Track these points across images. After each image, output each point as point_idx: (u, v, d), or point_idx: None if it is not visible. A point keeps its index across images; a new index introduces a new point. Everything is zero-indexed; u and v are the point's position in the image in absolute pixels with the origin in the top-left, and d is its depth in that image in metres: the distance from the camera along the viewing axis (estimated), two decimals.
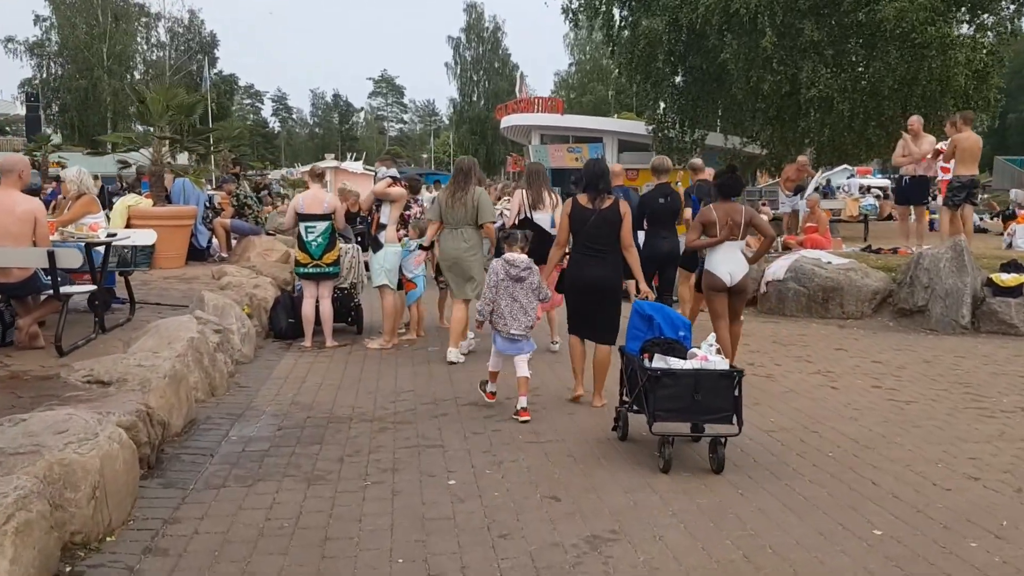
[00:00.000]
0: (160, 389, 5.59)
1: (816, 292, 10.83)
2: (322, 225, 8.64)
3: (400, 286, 8.92)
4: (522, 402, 6.13)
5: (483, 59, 70.75)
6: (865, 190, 32.13)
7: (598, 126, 25.40)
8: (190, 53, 63.99)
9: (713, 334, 5.58)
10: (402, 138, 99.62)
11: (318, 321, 8.86)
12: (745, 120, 18.80)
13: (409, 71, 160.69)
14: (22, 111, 47.07)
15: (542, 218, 8.28)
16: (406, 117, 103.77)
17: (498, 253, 7.46)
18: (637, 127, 25.38)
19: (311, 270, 8.73)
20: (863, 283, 10.70)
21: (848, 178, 33.32)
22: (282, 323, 9.23)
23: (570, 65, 72.70)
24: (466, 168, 8.25)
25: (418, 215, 9.53)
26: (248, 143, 49.03)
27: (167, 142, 12.40)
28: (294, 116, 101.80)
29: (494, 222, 8.44)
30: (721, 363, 5.16)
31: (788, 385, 7.33)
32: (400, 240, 8.72)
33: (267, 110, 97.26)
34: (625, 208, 6.27)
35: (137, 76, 57.54)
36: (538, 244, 7.07)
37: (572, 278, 6.40)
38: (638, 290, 6.25)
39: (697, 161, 11.02)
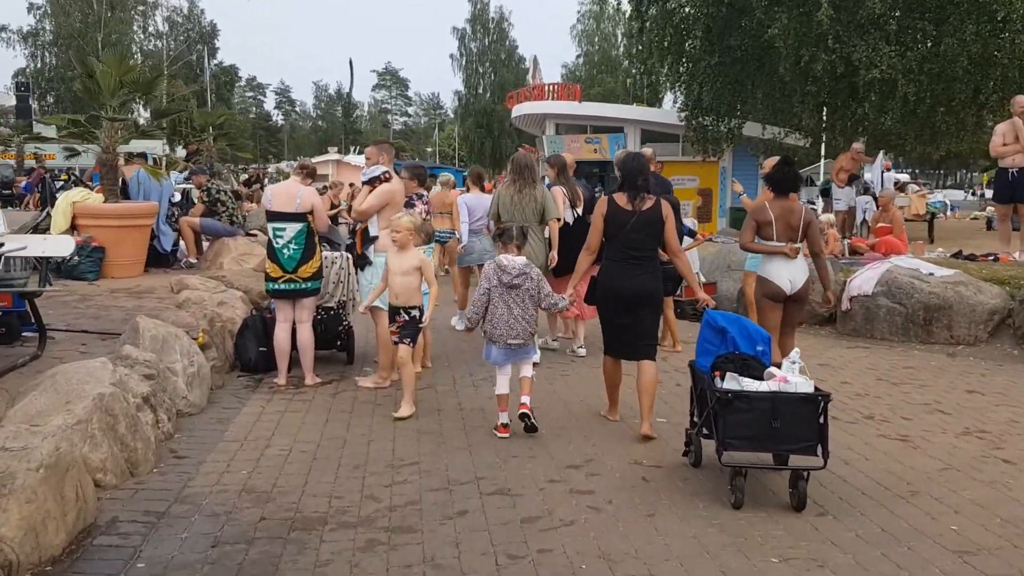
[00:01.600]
0: (26, 492, 3.54)
1: (916, 311, 8.74)
2: (294, 228, 6.56)
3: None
4: (525, 399, 5.49)
5: (489, 50, 68.60)
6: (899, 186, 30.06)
7: (619, 114, 23.19)
8: (189, 43, 62.05)
9: (796, 351, 4.72)
10: (407, 132, 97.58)
11: (296, 348, 6.81)
12: (792, 106, 16.63)
13: (414, 64, 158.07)
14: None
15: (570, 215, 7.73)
16: (410, 110, 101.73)
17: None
18: (662, 115, 23.25)
19: (283, 286, 6.66)
20: (976, 300, 8.60)
21: (883, 173, 31.09)
22: (251, 353, 7.16)
23: (577, 57, 70.45)
24: (527, 164, 7.56)
25: (424, 214, 7.45)
26: (242, 130, 46.77)
27: (123, 126, 10.24)
28: (297, 109, 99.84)
29: (560, 219, 7.61)
30: (804, 385, 4.40)
31: (938, 455, 5.23)
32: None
33: (270, 103, 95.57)
34: (668, 209, 5.51)
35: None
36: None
37: (607, 289, 5.53)
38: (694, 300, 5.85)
39: (647, 150, 9.52)
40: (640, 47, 21.52)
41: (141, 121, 23.48)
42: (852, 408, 6.27)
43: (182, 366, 5.92)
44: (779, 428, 4.27)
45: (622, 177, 5.58)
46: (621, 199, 5.49)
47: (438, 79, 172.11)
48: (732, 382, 4.45)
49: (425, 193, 8.55)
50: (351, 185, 25.98)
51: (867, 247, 11.67)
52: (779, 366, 4.60)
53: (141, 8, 56.44)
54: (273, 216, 6.61)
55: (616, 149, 23.40)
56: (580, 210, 7.85)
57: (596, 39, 66.81)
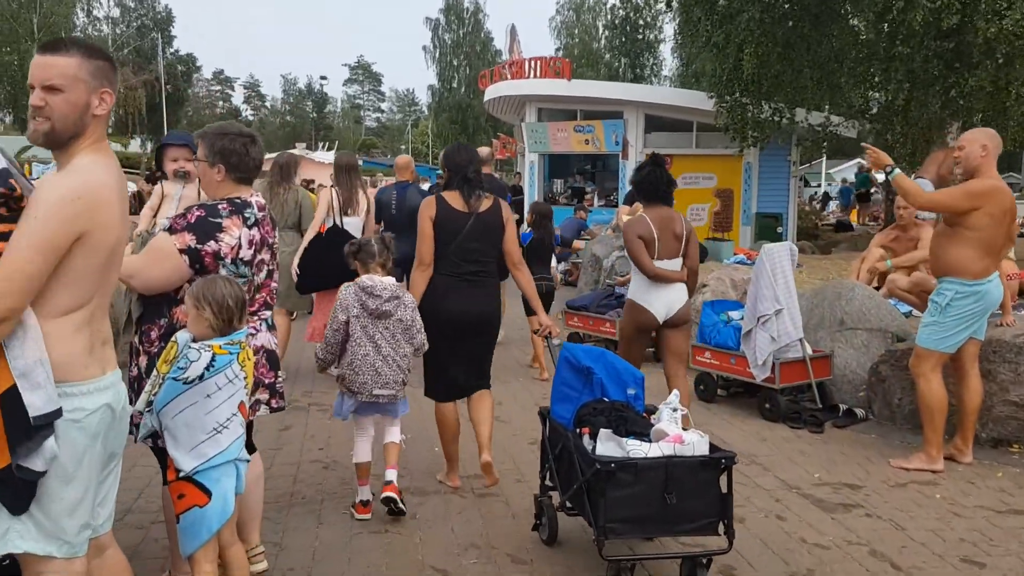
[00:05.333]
0: None
1: None
2: None
3: None
4: (390, 475, 4.28)
5: (464, 42, 65.05)
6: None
7: (618, 95, 18.02)
8: (142, 29, 56.62)
9: (675, 393, 3.84)
10: (380, 128, 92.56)
11: None
12: (874, 74, 11.65)
13: (388, 58, 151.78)
14: None
15: (353, 223, 6.87)
16: (384, 106, 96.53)
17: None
18: (672, 97, 18.16)
19: None
20: None
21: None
22: None
23: (557, 50, 65.82)
24: (286, 162, 7.24)
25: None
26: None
27: None
28: (267, 104, 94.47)
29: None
30: (700, 442, 3.47)
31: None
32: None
33: (239, 98, 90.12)
34: (508, 211, 4.67)
35: None
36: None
37: (437, 311, 4.44)
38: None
39: (484, 149, 7.87)
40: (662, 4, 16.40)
41: None
42: None
43: None
44: (674, 503, 3.37)
45: (450, 171, 4.57)
46: (453, 199, 4.50)
47: (412, 75, 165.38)
48: (610, 444, 3.45)
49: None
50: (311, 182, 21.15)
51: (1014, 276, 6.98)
52: (651, 411, 3.75)
53: None
54: None
55: (613, 140, 18.39)
56: (363, 217, 7.03)
57: (576, 31, 62.66)
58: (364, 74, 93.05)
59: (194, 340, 3.01)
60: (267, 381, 3.51)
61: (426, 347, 4.40)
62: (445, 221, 4.46)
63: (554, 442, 3.93)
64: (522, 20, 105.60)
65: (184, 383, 2.91)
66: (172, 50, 59.52)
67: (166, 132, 56.32)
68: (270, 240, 3.48)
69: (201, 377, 2.92)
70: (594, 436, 3.57)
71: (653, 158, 5.39)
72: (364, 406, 4.34)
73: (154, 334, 3.28)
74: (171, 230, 3.23)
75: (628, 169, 17.60)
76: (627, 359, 5.09)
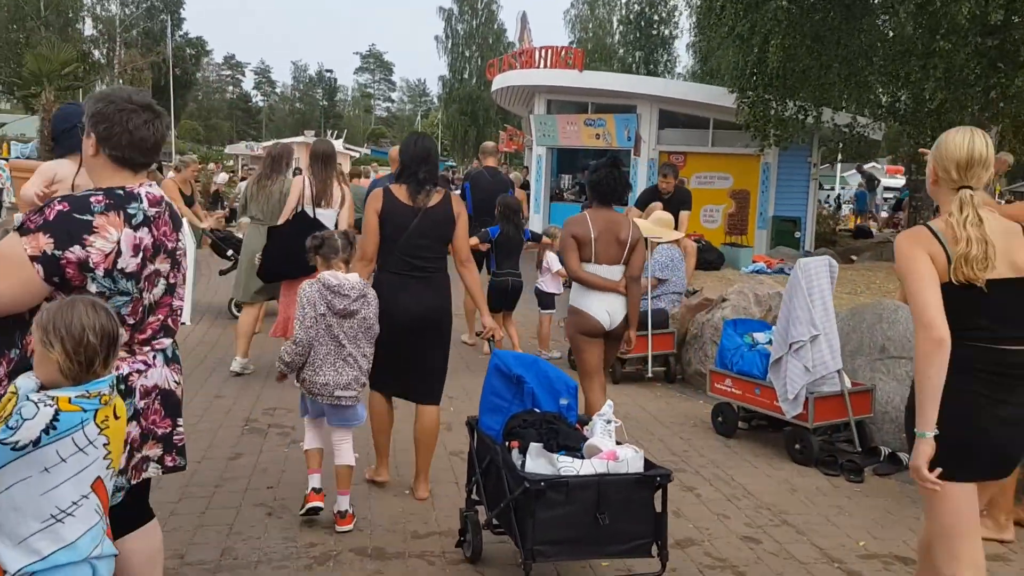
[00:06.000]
0: None
1: None
2: None
3: None
4: (342, 502, 4.02)
5: (476, 33, 64.47)
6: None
7: (631, 87, 17.02)
8: (153, 12, 55.81)
9: (609, 404, 3.63)
10: (390, 118, 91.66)
11: None
12: (910, 74, 10.67)
13: (400, 47, 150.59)
14: None
15: (327, 216, 6.35)
16: (394, 96, 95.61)
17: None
18: (688, 91, 17.17)
19: None
20: None
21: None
22: None
23: (570, 43, 64.91)
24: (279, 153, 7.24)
25: None
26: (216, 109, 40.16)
27: None
28: (278, 91, 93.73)
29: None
30: (634, 458, 3.31)
31: None
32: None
33: (249, 83, 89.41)
34: (460, 206, 4.47)
35: (87, 32, 49.58)
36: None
37: (383, 309, 4.21)
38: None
39: (489, 144, 8.74)
40: None
41: None
42: None
43: None
44: (606, 523, 3.18)
45: (402, 164, 4.42)
46: (400, 192, 4.34)
47: (424, 65, 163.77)
48: (540, 460, 3.27)
49: None
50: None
51: None
52: (584, 423, 3.59)
53: None
54: None
55: (625, 135, 17.44)
56: (337, 210, 6.52)
57: (591, 25, 61.82)
58: (375, 63, 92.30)
59: (41, 387, 2.15)
60: (161, 431, 2.64)
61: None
62: (391, 215, 4.29)
63: (481, 455, 3.71)
64: (536, 13, 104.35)
65: (12, 449, 2.04)
66: (181, 33, 58.78)
67: (172, 115, 55.85)
68: (169, 244, 2.61)
69: (36, 442, 2.05)
70: (523, 451, 3.38)
71: (612, 159, 5.18)
72: (326, 410, 4.10)
73: (1, 371, 2.41)
74: (23, 229, 2.35)
75: (640, 166, 16.71)
76: (582, 370, 4.99)
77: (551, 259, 8.08)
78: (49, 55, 10.55)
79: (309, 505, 4.02)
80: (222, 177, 23.60)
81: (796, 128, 12.37)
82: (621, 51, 57.79)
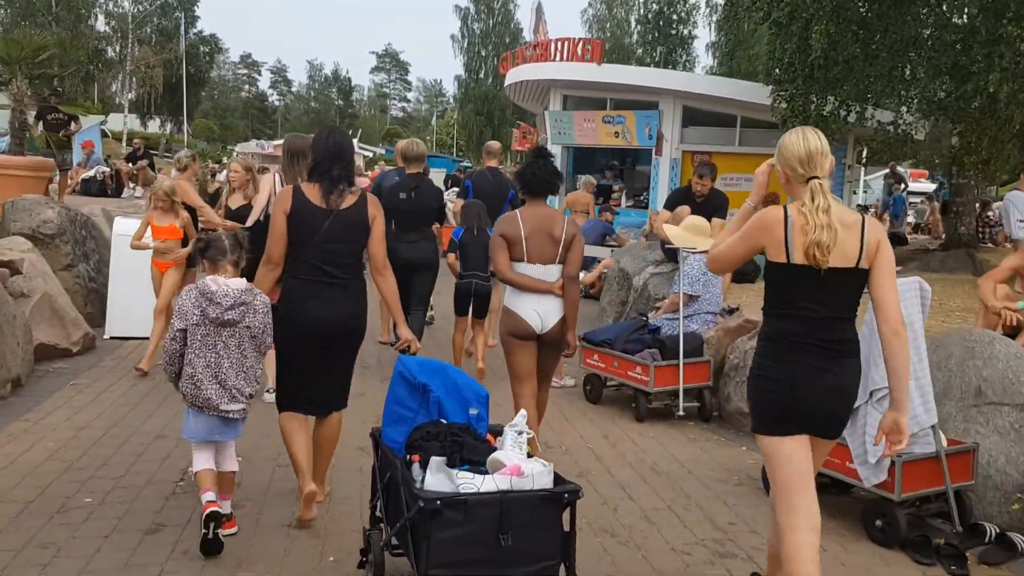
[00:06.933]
0: None
1: None
2: None
3: None
4: (226, 507, 3.86)
5: (492, 32, 64.03)
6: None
7: (654, 82, 15.74)
8: (167, 8, 55.05)
9: (521, 414, 3.32)
10: (405, 118, 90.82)
11: None
12: (970, 63, 9.39)
13: (416, 47, 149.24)
14: None
15: None
16: (410, 96, 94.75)
17: None
18: (714, 86, 15.94)
19: None
20: None
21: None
22: None
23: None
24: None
25: None
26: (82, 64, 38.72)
27: None
28: (293, 90, 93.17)
29: None
30: (541, 473, 3.05)
31: None
32: None
33: (265, 82, 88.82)
34: (376, 208, 4.12)
35: (100, 28, 48.91)
36: None
37: (291, 319, 3.98)
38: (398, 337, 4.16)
39: (493, 144, 8.31)
40: None
41: None
42: None
43: None
44: (509, 544, 2.94)
45: (313, 161, 4.09)
46: (312, 192, 3.99)
47: (440, 65, 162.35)
48: (440, 476, 3.03)
49: None
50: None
51: None
52: (497, 433, 3.32)
53: None
54: None
55: (646, 133, 16.24)
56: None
57: (608, 25, 60.88)
58: (391, 62, 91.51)
59: None
60: None
61: (267, 351, 4.01)
62: (300, 217, 3.97)
63: (383, 470, 3.48)
64: (553, 12, 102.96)
65: None
66: (196, 30, 58.06)
67: (185, 113, 55.07)
68: None
69: None
70: (425, 465, 3.12)
71: (538, 149, 5.09)
72: (210, 425, 3.82)
73: None
74: None
75: (662, 166, 15.52)
76: (512, 375, 4.70)
77: None
78: (20, 39, 9.70)
79: (209, 511, 3.62)
80: (225, 176, 22.55)
81: (839, 125, 11.12)
82: (639, 51, 56.76)
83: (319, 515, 4.08)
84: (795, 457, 2.96)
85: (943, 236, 18.53)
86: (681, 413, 6.01)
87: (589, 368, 6.63)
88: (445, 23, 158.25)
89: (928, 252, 16.76)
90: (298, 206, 3.96)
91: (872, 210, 27.04)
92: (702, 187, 7.26)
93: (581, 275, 7.28)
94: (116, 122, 43.43)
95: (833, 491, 4.60)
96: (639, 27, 57.14)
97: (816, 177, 2.95)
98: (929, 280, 11.39)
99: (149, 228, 6.90)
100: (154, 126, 54.86)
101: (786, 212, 2.95)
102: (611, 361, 6.37)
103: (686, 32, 53.40)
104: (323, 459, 4.26)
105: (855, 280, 2.96)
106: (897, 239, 19.02)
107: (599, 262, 12.25)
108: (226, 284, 3.79)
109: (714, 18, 47.20)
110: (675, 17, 52.88)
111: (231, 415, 3.81)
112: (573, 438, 5.67)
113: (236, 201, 6.74)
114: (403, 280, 7.51)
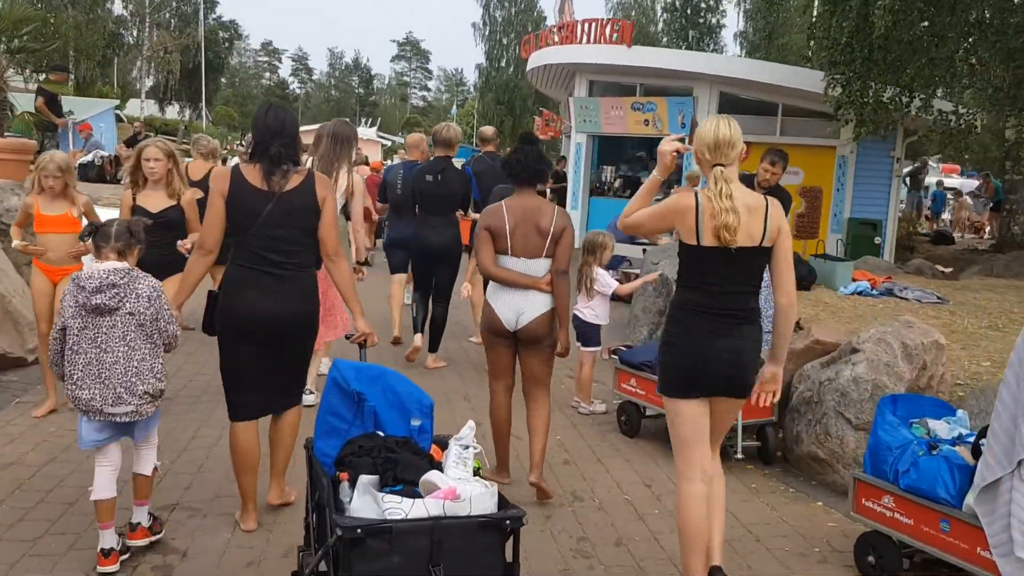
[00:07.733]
0: None
1: None
2: None
3: None
4: (139, 515, 3.60)
5: (515, 20, 63.21)
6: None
7: (688, 66, 14.61)
8: None
9: (469, 425, 2.94)
10: (426, 107, 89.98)
11: None
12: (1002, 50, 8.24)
13: (437, 36, 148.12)
14: None
15: None
16: (431, 84, 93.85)
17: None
18: (754, 71, 14.78)
19: None
20: None
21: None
22: None
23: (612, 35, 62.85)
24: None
25: None
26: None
27: None
28: (314, 78, 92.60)
29: None
30: (481, 496, 2.67)
31: None
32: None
33: (286, 70, 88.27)
34: (326, 190, 3.75)
35: (116, 12, 48.24)
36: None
37: (226, 309, 3.67)
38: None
39: (487, 129, 8.12)
40: None
41: None
42: None
43: None
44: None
45: (253, 140, 3.78)
46: (252, 173, 3.64)
47: (461, 53, 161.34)
48: (366, 498, 2.64)
49: None
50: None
51: None
52: (443, 445, 3.00)
53: None
54: None
55: (679, 122, 15.08)
56: (343, 199, 5.92)
57: (633, 13, 59.85)
58: (412, 51, 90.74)
59: None
60: None
61: (178, 342, 3.58)
62: (240, 200, 3.60)
63: (313, 487, 3.08)
64: (577, 2, 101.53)
65: None
66: (215, 15, 57.39)
67: (203, 100, 54.41)
68: None
69: None
70: (354, 484, 2.70)
71: (524, 136, 4.95)
72: (99, 430, 3.42)
73: None
74: None
75: (693, 160, 14.43)
76: (489, 369, 4.53)
77: (602, 278, 5.91)
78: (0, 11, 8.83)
79: (99, 570, 3.36)
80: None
81: (900, 112, 9.98)
82: (665, 40, 55.66)
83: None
84: (695, 417, 3.27)
85: (995, 236, 17.24)
86: (739, 455, 4.95)
87: (624, 395, 5.58)
88: (467, 11, 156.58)
89: (980, 253, 15.50)
90: (237, 188, 3.62)
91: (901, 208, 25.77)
92: (772, 175, 6.11)
93: (621, 286, 6.35)
94: (134, 107, 42.88)
95: (942, 570, 3.55)
96: (665, 15, 56.06)
97: (720, 164, 3.18)
98: (996, 288, 10.21)
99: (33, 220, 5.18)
100: (172, 112, 54.31)
101: (697, 199, 3.16)
102: (651, 387, 5.32)
103: (714, 21, 52.16)
104: (283, 452, 3.98)
105: (759, 257, 3.21)
106: (943, 238, 17.78)
107: (627, 261, 11.18)
108: (97, 268, 3.41)
109: (743, 7, 45.95)
110: (703, 5, 51.67)
111: (118, 418, 3.38)
112: (607, 487, 4.63)
113: (154, 202, 5.25)
114: (426, 272, 6.80)
